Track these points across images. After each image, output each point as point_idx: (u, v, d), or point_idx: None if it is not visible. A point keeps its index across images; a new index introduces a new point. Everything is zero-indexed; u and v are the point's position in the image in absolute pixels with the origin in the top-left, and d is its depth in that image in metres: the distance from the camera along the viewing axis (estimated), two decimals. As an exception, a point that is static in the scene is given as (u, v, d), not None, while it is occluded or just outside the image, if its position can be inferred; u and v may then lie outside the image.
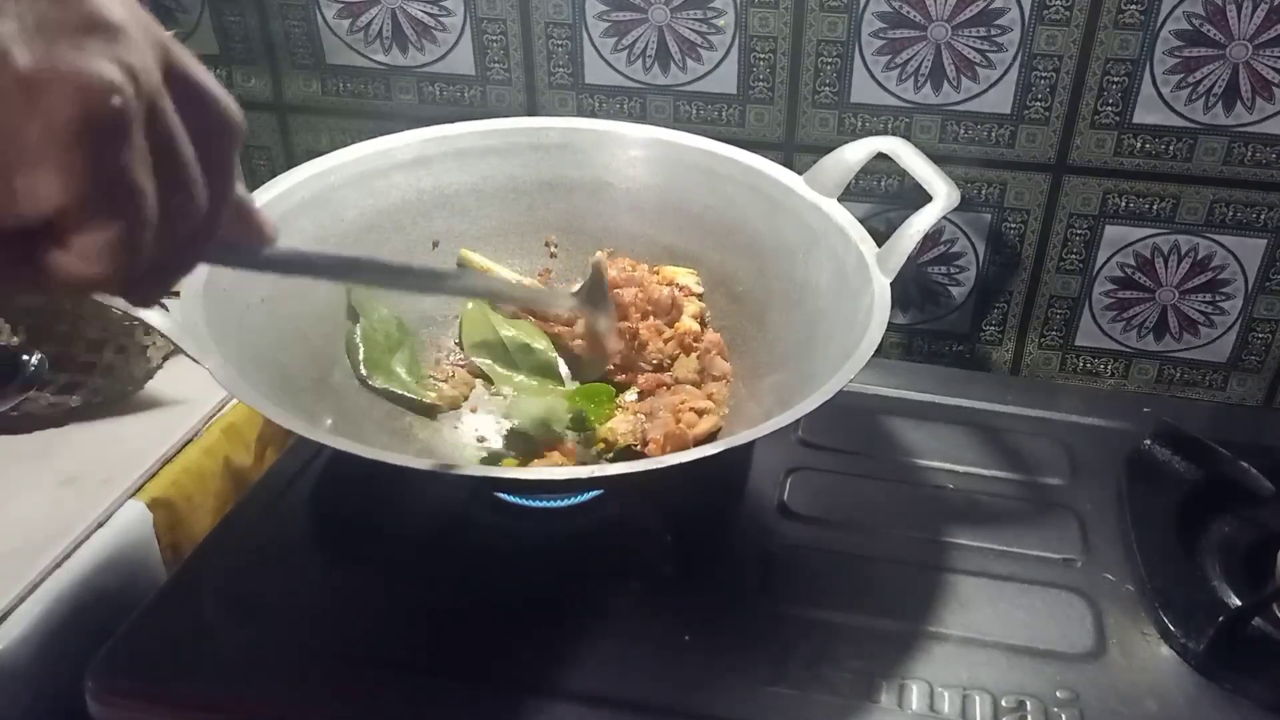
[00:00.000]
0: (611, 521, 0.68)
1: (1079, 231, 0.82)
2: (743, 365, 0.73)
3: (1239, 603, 0.62)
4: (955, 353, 0.89)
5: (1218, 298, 0.82)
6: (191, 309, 0.60)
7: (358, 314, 0.71)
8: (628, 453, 0.68)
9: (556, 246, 0.79)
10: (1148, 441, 0.74)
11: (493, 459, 0.69)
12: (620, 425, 0.69)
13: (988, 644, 0.60)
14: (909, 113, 0.80)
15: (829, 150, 0.74)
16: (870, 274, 0.65)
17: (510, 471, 0.63)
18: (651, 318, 0.74)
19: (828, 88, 0.80)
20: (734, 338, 0.75)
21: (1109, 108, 0.76)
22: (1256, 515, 0.69)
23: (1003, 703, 0.57)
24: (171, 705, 0.57)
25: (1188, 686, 0.58)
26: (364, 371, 0.70)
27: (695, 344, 0.74)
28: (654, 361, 0.73)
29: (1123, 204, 0.80)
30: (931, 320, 0.88)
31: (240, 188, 0.36)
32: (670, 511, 0.68)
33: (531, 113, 0.86)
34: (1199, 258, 0.81)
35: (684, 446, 0.65)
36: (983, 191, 0.82)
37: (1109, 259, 0.82)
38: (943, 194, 0.69)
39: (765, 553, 0.67)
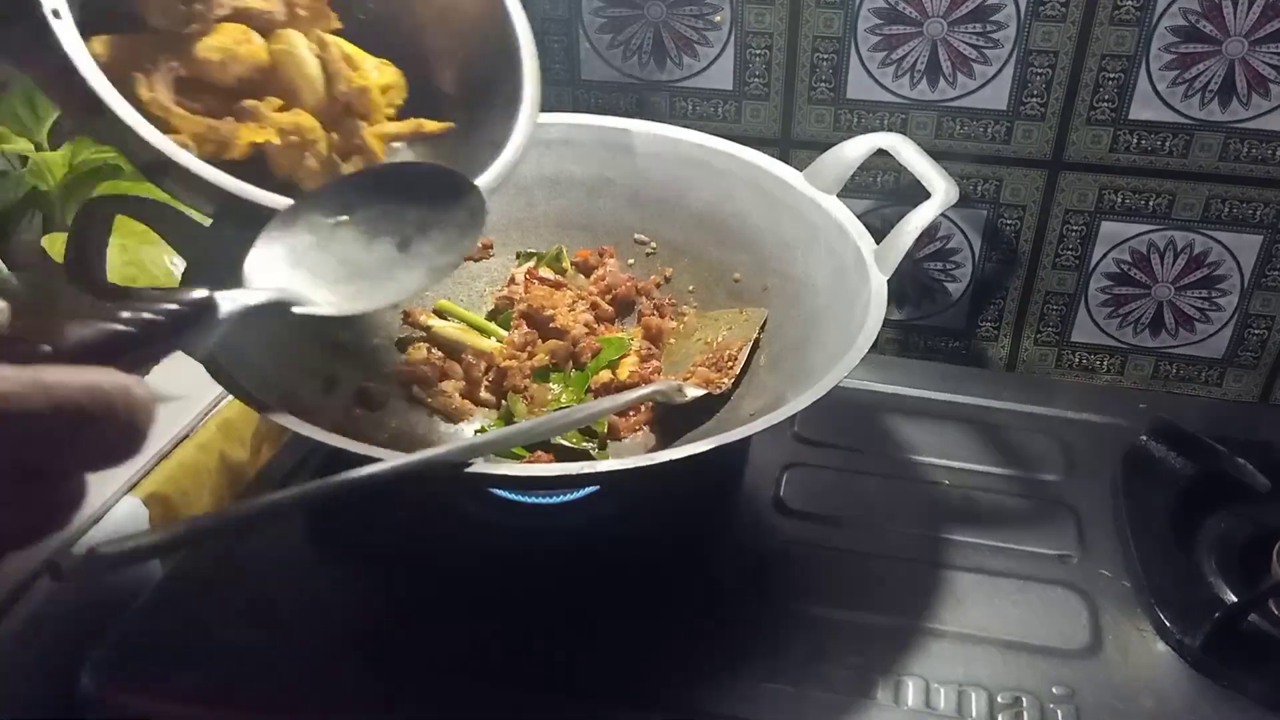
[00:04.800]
0: (607, 518, 0.68)
1: (1075, 227, 0.82)
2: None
3: (1235, 599, 0.62)
4: (951, 349, 0.89)
5: (1214, 294, 0.82)
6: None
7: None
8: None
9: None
10: (1144, 437, 0.74)
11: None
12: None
13: (984, 640, 0.60)
14: (905, 109, 0.80)
15: (825, 147, 0.74)
16: (868, 270, 0.65)
17: (506, 468, 0.63)
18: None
19: (824, 84, 0.80)
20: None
21: (1105, 104, 0.76)
22: (1252, 511, 0.69)
23: (999, 699, 0.57)
24: (167, 700, 0.57)
25: (1183, 683, 0.58)
26: None
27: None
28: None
29: (1119, 200, 0.80)
30: (928, 316, 0.88)
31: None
32: (666, 507, 0.68)
33: (528, 108, 0.85)
34: (1195, 254, 0.81)
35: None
36: (979, 188, 0.82)
37: (1105, 255, 0.82)
38: (941, 190, 0.69)
39: (761, 549, 0.67)
